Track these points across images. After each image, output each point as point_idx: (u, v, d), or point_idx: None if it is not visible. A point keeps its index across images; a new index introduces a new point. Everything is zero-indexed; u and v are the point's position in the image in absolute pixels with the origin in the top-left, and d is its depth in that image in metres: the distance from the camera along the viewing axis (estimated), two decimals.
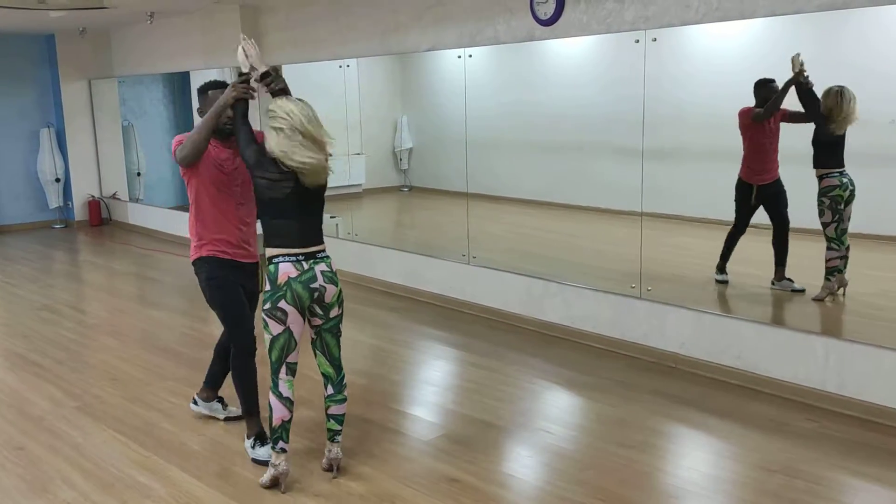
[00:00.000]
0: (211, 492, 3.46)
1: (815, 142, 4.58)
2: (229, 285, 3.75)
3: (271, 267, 3.36)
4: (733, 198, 5.05)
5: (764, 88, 4.75)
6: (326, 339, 3.49)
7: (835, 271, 4.58)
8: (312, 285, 3.34)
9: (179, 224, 9.77)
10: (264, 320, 3.38)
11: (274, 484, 3.44)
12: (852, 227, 4.59)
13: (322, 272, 3.38)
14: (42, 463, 3.79)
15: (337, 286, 3.44)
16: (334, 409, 3.54)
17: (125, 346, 5.59)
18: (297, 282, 3.32)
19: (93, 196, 10.97)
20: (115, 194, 10.94)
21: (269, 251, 3.38)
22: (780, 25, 4.43)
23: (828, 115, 4.45)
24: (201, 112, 3.75)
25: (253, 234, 3.87)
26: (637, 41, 4.81)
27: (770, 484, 3.44)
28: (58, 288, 7.49)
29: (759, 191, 4.96)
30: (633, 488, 3.44)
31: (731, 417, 4.16)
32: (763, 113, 4.78)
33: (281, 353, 3.39)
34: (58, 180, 10.67)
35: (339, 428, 3.55)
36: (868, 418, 4.04)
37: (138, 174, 10.86)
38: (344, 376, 3.56)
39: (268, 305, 3.35)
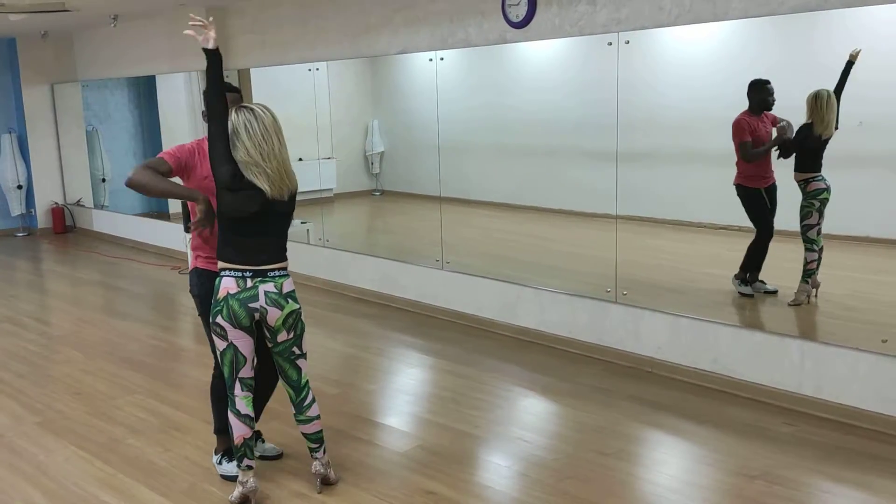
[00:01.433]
0: None
1: (802, 147, 4.54)
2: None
3: (217, 280, 3.23)
4: (746, 208, 4.85)
5: (761, 90, 4.60)
6: (279, 363, 3.35)
7: (812, 273, 4.58)
8: (251, 304, 3.18)
9: (145, 231, 9.59)
10: (210, 335, 3.29)
11: (243, 501, 3.33)
12: (824, 228, 4.61)
13: (266, 292, 3.19)
14: (1, 482, 3.64)
15: (282, 310, 3.21)
16: (303, 428, 3.42)
17: (90, 358, 5.43)
18: (234, 298, 3.17)
19: (56, 203, 10.73)
20: (79, 201, 10.71)
21: (219, 263, 3.24)
22: (752, 28, 4.43)
23: (816, 120, 4.41)
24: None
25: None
26: (610, 44, 4.78)
27: (749, 490, 3.41)
28: (20, 299, 7.28)
29: (765, 193, 4.88)
30: (613, 497, 3.38)
31: (708, 422, 4.13)
32: (752, 157, 4.71)
33: (231, 369, 3.27)
34: (20, 187, 10.42)
35: (314, 445, 3.44)
36: (845, 421, 4.02)
37: (103, 180, 10.64)
38: (306, 397, 3.38)
39: (211, 319, 3.24)
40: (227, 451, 3.60)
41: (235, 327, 3.19)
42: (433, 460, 3.75)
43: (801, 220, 4.60)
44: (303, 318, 3.33)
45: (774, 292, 4.84)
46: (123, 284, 7.79)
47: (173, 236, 8.72)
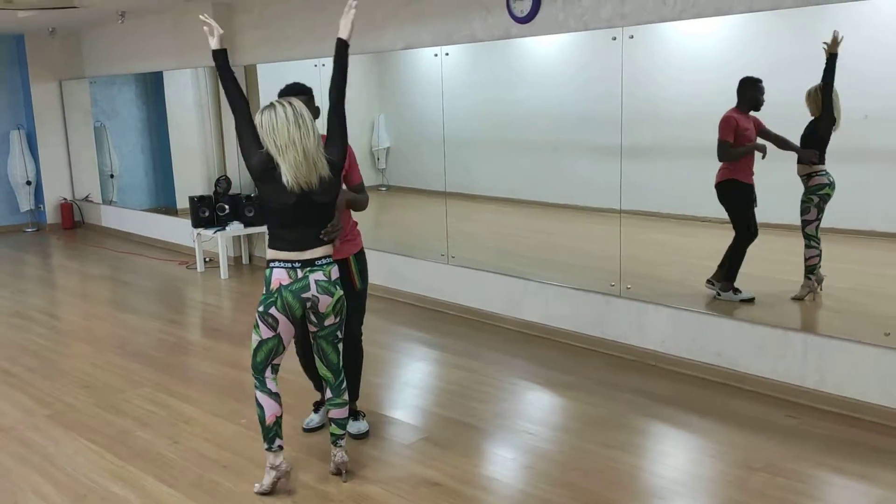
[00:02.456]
0: (187, 501, 3.39)
1: (808, 140, 4.50)
2: None
3: (267, 271, 3.31)
4: (734, 205, 4.84)
5: (751, 88, 4.59)
6: (322, 346, 3.44)
7: (815, 269, 4.58)
8: (304, 295, 3.27)
9: (153, 226, 9.65)
10: (256, 322, 3.33)
11: (273, 489, 3.39)
12: (827, 222, 4.60)
13: (317, 281, 3.28)
14: (12, 474, 3.69)
15: (333, 296, 3.33)
16: (334, 413, 3.50)
17: (99, 351, 5.48)
18: (287, 290, 3.26)
19: (65, 199, 10.81)
20: (87, 196, 10.78)
21: (269, 253, 3.32)
22: (756, 22, 4.42)
23: (826, 113, 4.38)
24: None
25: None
26: (614, 38, 4.79)
27: (753, 482, 3.43)
28: (29, 293, 7.34)
29: (752, 190, 4.86)
30: (617, 489, 3.41)
31: (712, 415, 4.15)
32: (727, 157, 4.71)
33: (267, 357, 3.35)
34: (29, 183, 10.50)
35: (341, 432, 3.51)
36: (848, 414, 4.04)
37: (111, 176, 10.70)
38: (343, 381, 3.52)
39: (261, 308, 3.30)
40: (317, 403, 4.07)
41: (289, 318, 3.29)
42: (438, 452, 3.79)
43: (802, 215, 4.58)
44: (346, 303, 3.47)
45: (752, 300, 4.80)
46: (131, 279, 7.84)
47: (181, 231, 8.77)
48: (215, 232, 7.70)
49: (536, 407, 4.46)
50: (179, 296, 7.22)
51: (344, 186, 3.81)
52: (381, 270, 6.73)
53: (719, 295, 4.86)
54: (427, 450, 3.83)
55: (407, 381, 4.92)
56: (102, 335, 5.90)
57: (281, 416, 3.39)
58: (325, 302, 3.32)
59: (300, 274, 3.26)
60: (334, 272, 3.36)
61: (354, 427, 3.96)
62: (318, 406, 4.12)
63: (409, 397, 4.64)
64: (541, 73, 6.19)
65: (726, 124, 4.70)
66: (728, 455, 3.71)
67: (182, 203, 8.95)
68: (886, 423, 3.93)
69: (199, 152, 8.49)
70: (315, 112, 3.63)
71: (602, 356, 5.07)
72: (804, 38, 4.53)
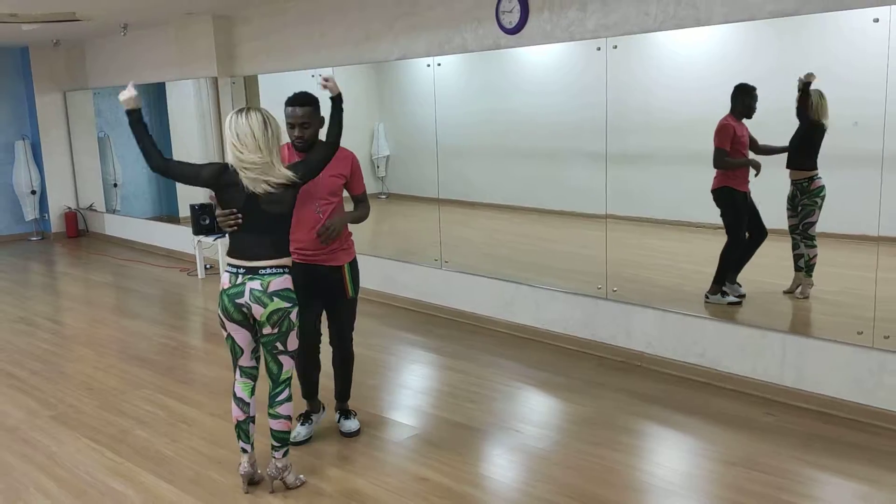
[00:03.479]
0: (184, 496, 3.52)
1: (805, 143, 4.55)
2: (299, 288, 3.58)
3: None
4: (730, 214, 4.89)
5: (746, 96, 4.61)
6: (264, 353, 3.48)
7: (814, 267, 4.68)
8: (238, 300, 3.34)
9: (156, 234, 9.80)
10: None
11: (245, 486, 3.53)
12: (821, 227, 4.70)
13: (252, 290, 3.31)
14: (15, 471, 3.83)
15: (266, 307, 3.31)
16: (271, 423, 3.49)
17: (101, 356, 5.62)
18: (225, 294, 3.37)
19: (69, 207, 10.97)
20: (91, 205, 10.94)
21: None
22: (740, 31, 4.54)
23: (817, 116, 4.47)
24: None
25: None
26: (599, 49, 4.93)
27: (729, 476, 3.55)
28: (34, 300, 7.50)
29: (746, 197, 4.91)
30: (604, 485, 3.52)
31: (695, 413, 4.27)
32: (722, 165, 4.76)
33: (232, 356, 3.51)
34: (34, 192, 10.66)
35: (276, 444, 3.50)
36: (824, 411, 4.17)
37: (115, 185, 10.86)
38: (281, 392, 3.47)
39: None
40: (304, 414, 4.04)
41: (229, 320, 3.39)
42: (429, 450, 3.92)
43: (804, 219, 4.62)
44: (292, 317, 3.40)
45: (739, 302, 4.87)
46: (134, 286, 8.00)
47: (183, 239, 8.92)
48: (215, 239, 7.84)
49: (526, 407, 4.58)
50: (180, 302, 7.37)
51: (346, 193, 3.94)
52: (377, 276, 6.87)
53: (707, 298, 4.98)
54: (419, 447, 3.96)
55: (400, 383, 5.05)
56: (105, 340, 6.05)
57: (244, 422, 3.48)
58: (258, 311, 3.33)
59: (239, 280, 3.34)
60: (275, 283, 3.33)
61: (346, 426, 4.10)
62: (304, 417, 4.07)
63: (402, 398, 4.77)
64: (533, 82, 6.33)
65: (723, 132, 4.74)
66: (708, 451, 3.84)
67: (184, 211, 9.09)
68: (860, 419, 4.05)
69: (201, 162, 8.63)
70: (320, 122, 3.73)
71: (591, 357, 5.19)
72: (788, 47, 4.62)
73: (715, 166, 4.83)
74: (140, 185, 10.94)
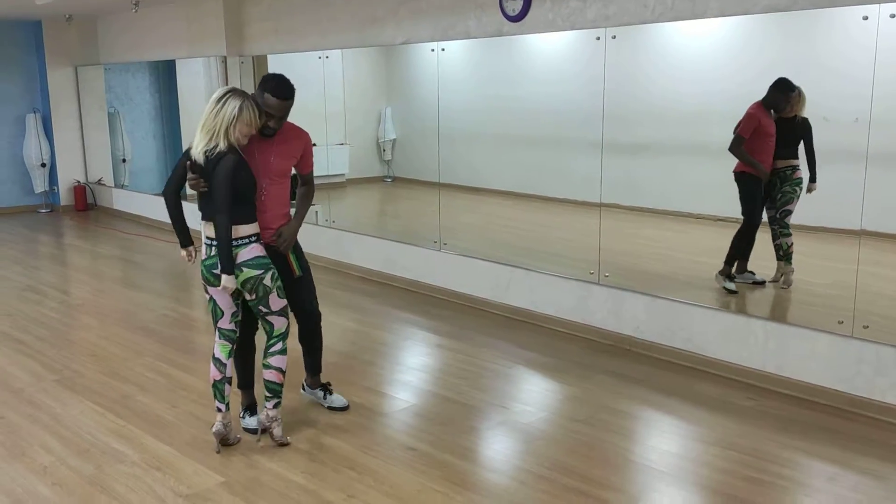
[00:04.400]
0: (181, 457, 3.68)
1: (789, 135, 4.70)
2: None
3: None
4: (745, 196, 4.95)
5: (783, 92, 4.63)
6: (255, 314, 3.74)
7: (791, 255, 4.82)
8: (215, 271, 3.56)
9: (163, 210, 9.91)
10: None
11: (221, 441, 3.70)
12: (816, 220, 4.81)
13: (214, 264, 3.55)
14: (21, 430, 3.99)
15: (238, 277, 3.52)
16: (264, 374, 3.72)
17: (106, 325, 5.78)
18: (203, 264, 3.63)
19: (78, 181, 11.12)
20: (100, 180, 11.09)
21: None
22: (737, 25, 4.64)
23: (799, 109, 4.59)
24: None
25: (272, 218, 3.82)
26: (598, 38, 5.03)
27: (705, 455, 3.68)
28: (42, 270, 7.66)
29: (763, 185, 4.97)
30: (585, 460, 3.66)
31: (676, 395, 4.40)
32: (736, 152, 4.84)
33: (213, 318, 3.72)
34: (43, 165, 10.81)
35: (267, 394, 3.72)
36: (803, 397, 4.29)
37: (123, 160, 11.01)
38: (274, 345, 3.69)
39: None
40: (249, 406, 3.99)
41: (210, 286, 3.63)
42: (417, 422, 4.06)
43: (782, 206, 4.78)
44: (266, 281, 3.57)
45: (763, 283, 5.01)
46: (140, 259, 8.16)
47: (189, 215, 9.03)
48: None
49: (517, 386, 4.71)
50: (185, 275, 7.50)
51: (294, 172, 3.98)
52: (378, 257, 7.00)
53: (732, 283, 5.07)
54: (407, 419, 4.10)
55: (396, 360, 5.19)
56: (110, 310, 6.21)
57: (220, 382, 3.67)
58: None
59: (213, 251, 3.57)
60: (242, 254, 3.52)
61: (336, 400, 4.20)
62: (247, 410, 4.02)
63: (396, 374, 4.91)
64: (535, 69, 6.44)
65: (748, 121, 4.78)
66: (686, 430, 3.98)
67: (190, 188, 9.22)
68: (838, 405, 4.17)
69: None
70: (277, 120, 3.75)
71: (581, 340, 5.32)
72: (790, 42, 4.68)
73: (729, 150, 4.87)
74: (148, 161, 11.09)
